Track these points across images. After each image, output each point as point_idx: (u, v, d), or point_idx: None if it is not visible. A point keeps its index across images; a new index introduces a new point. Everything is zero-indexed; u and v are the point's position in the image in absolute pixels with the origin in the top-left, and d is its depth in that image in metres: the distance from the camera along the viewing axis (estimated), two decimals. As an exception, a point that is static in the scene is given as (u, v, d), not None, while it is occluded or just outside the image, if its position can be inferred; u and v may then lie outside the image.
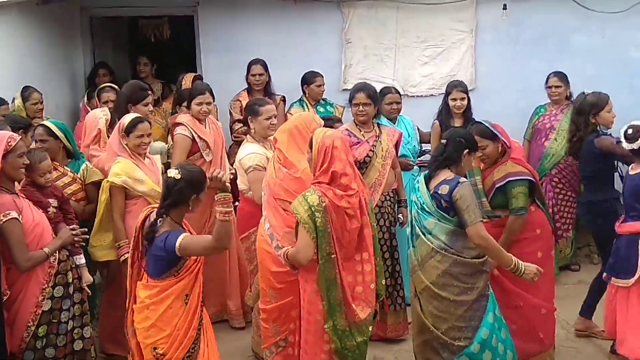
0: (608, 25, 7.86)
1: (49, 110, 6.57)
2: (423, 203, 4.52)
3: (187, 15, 8.31)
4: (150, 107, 5.98)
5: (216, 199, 3.78)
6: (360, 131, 5.75)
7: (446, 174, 4.51)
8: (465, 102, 6.59)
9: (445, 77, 7.88)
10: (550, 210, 6.98)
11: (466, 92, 6.65)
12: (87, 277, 4.72)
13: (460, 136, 4.62)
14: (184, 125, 5.83)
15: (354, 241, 4.27)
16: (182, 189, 3.93)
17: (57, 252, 4.45)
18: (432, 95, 7.94)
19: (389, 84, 7.46)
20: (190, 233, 4.07)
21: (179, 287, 3.93)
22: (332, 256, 4.18)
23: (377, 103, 5.84)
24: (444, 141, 4.61)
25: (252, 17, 8.03)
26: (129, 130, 5.18)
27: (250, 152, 5.29)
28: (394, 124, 6.42)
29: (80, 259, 4.67)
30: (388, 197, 5.71)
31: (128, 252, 4.90)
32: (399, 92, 6.65)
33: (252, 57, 7.33)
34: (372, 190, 5.42)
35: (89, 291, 4.73)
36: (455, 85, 6.68)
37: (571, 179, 6.96)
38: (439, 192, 4.44)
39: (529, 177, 4.99)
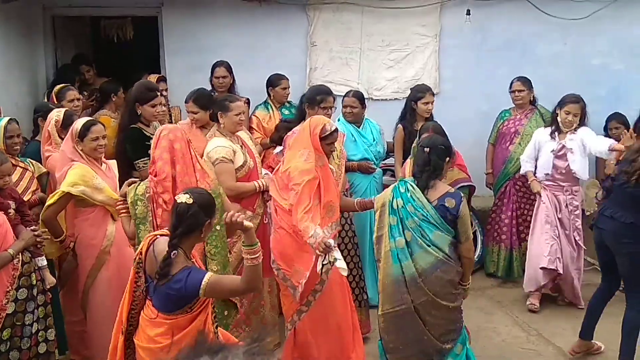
0: (570, 32, 7.99)
1: (8, 110, 6.46)
2: (427, 215, 4.48)
3: (152, 16, 8.25)
4: (159, 109, 5.75)
5: (243, 251, 3.59)
6: None
7: (444, 186, 4.60)
8: (433, 105, 6.63)
9: (410, 80, 7.92)
10: (514, 214, 7.09)
11: (434, 95, 6.69)
12: (50, 279, 4.65)
13: (441, 144, 4.65)
14: None
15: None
16: (197, 214, 3.61)
17: (20, 254, 4.39)
18: (396, 99, 7.98)
19: (353, 87, 7.50)
20: (196, 263, 3.81)
21: (195, 326, 3.64)
22: None
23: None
24: (426, 149, 4.56)
25: (217, 18, 8.01)
26: (82, 134, 4.95)
27: (216, 145, 5.32)
28: (359, 127, 6.43)
29: (42, 261, 4.60)
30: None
31: (72, 241, 4.94)
32: (357, 97, 6.50)
33: (217, 59, 7.28)
34: None
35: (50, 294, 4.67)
36: (428, 89, 6.67)
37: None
38: (446, 204, 4.47)
39: (472, 183, 5.16)
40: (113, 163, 5.32)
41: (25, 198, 5.07)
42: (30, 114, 7.52)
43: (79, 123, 5.05)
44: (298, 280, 4.78)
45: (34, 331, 4.43)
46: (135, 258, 3.78)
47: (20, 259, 4.39)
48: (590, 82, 7.72)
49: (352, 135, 6.32)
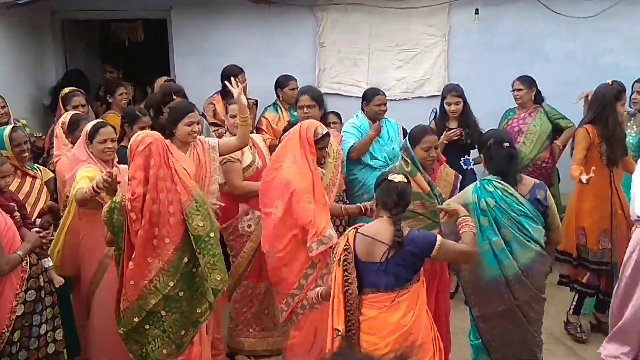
0: (579, 30, 7.94)
1: (18, 113, 6.49)
2: (524, 210, 4.44)
3: (161, 19, 8.27)
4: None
5: (464, 222, 4.07)
6: None
7: (529, 179, 4.63)
8: (460, 106, 6.62)
9: (419, 80, 7.95)
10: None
11: (461, 95, 6.67)
12: (58, 279, 4.63)
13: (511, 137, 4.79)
14: None
15: (140, 239, 4.28)
16: (410, 195, 4.02)
17: (28, 256, 4.40)
18: (405, 99, 7.99)
19: (362, 87, 7.49)
20: None
21: (423, 294, 3.93)
22: (121, 252, 4.38)
23: (322, 106, 5.98)
24: (505, 144, 4.54)
25: (226, 20, 8.02)
26: (91, 136, 4.92)
27: None
28: None
29: (48, 262, 4.60)
30: (340, 199, 5.86)
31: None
32: (385, 94, 6.65)
33: (226, 60, 7.29)
34: (327, 191, 5.26)
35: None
36: (450, 90, 6.72)
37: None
38: (538, 197, 4.48)
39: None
40: (125, 169, 5.27)
41: (38, 208, 5.09)
42: (40, 117, 7.58)
43: (90, 124, 5.05)
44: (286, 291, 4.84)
45: (42, 332, 4.44)
46: (339, 257, 3.89)
47: (28, 261, 4.40)
48: (601, 80, 7.55)
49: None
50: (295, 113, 6.98)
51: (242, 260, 5.49)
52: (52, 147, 5.71)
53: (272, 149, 6.44)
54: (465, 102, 6.67)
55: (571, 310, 5.97)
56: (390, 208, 3.88)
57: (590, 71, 7.83)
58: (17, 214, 4.56)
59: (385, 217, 3.90)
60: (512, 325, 4.52)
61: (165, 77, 7.50)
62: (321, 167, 5.28)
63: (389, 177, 3.97)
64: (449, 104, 6.64)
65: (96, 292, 4.94)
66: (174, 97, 6.00)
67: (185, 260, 4.38)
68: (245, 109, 5.12)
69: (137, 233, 4.26)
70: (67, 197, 5.09)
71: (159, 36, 8.72)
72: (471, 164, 6.52)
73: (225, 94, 7.07)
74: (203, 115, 6.97)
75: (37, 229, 4.63)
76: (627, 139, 5.95)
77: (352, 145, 6.26)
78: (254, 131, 6.66)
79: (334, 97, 7.69)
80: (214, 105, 7.06)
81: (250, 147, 5.61)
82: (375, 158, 6.37)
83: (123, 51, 9.75)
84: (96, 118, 6.50)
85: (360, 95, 6.80)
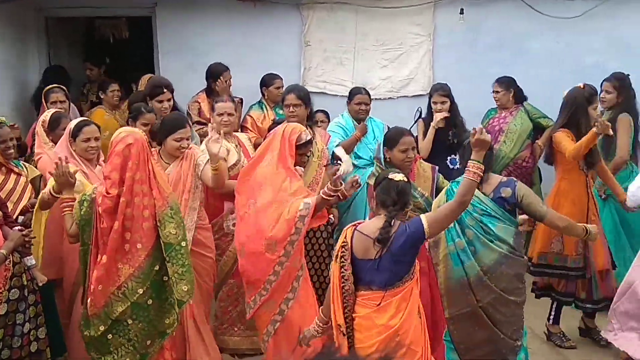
0: (562, 31, 7.98)
1: (2, 112, 6.44)
2: (486, 209, 4.45)
3: (146, 16, 8.24)
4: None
5: (471, 165, 3.93)
6: None
7: (496, 177, 4.59)
8: (446, 105, 6.59)
9: (404, 80, 7.98)
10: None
11: (448, 95, 6.66)
12: (41, 277, 4.58)
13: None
14: None
15: (112, 242, 4.21)
16: (410, 193, 4.02)
17: (10, 254, 4.36)
18: (390, 98, 8.00)
19: (348, 86, 7.50)
20: None
21: (416, 295, 3.89)
22: (90, 247, 4.29)
23: (309, 105, 5.87)
24: None
25: (211, 18, 8.01)
26: (74, 134, 4.91)
27: None
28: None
29: (31, 260, 4.55)
30: None
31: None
32: (368, 94, 6.61)
33: (211, 58, 7.28)
34: (309, 189, 5.18)
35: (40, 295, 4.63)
36: (437, 89, 6.72)
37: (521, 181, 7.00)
38: (502, 195, 4.46)
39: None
40: None
41: (21, 205, 5.04)
42: (23, 115, 7.53)
43: (73, 122, 5.04)
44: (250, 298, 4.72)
45: (25, 330, 4.41)
46: (337, 253, 3.91)
47: (11, 259, 4.36)
48: (583, 80, 7.65)
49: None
50: (280, 111, 7.00)
51: (227, 259, 5.49)
52: (35, 145, 5.67)
53: (257, 147, 6.45)
54: (452, 101, 6.68)
55: (550, 321, 5.86)
56: (388, 206, 3.89)
57: (574, 71, 7.87)
58: (-1, 212, 4.53)
59: (382, 215, 3.90)
60: (477, 327, 4.51)
61: (149, 75, 7.47)
62: (303, 165, 5.22)
63: (390, 176, 3.97)
64: (436, 103, 6.63)
65: (78, 293, 4.87)
66: (165, 90, 5.97)
67: (157, 267, 4.31)
68: (215, 158, 4.85)
69: (104, 230, 4.20)
70: None
71: (143, 34, 8.68)
72: (457, 163, 6.54)
73: (211, 92, 7.08)
74: (188, 114, 6.97)
75: (19, 227, 4.58)
76: None
77: (338, 145, 6.27)
78: (240, 130, 6.65)
79: (319, 96, 7.69)
80: (199, 103, 7.03)
81: (236, 145, 5.60)
82: (360, 157, 6.40)
83: (108, 49, 9.70)
84: (81, 116, 6.50)
85: (346, 94, 6.82)
